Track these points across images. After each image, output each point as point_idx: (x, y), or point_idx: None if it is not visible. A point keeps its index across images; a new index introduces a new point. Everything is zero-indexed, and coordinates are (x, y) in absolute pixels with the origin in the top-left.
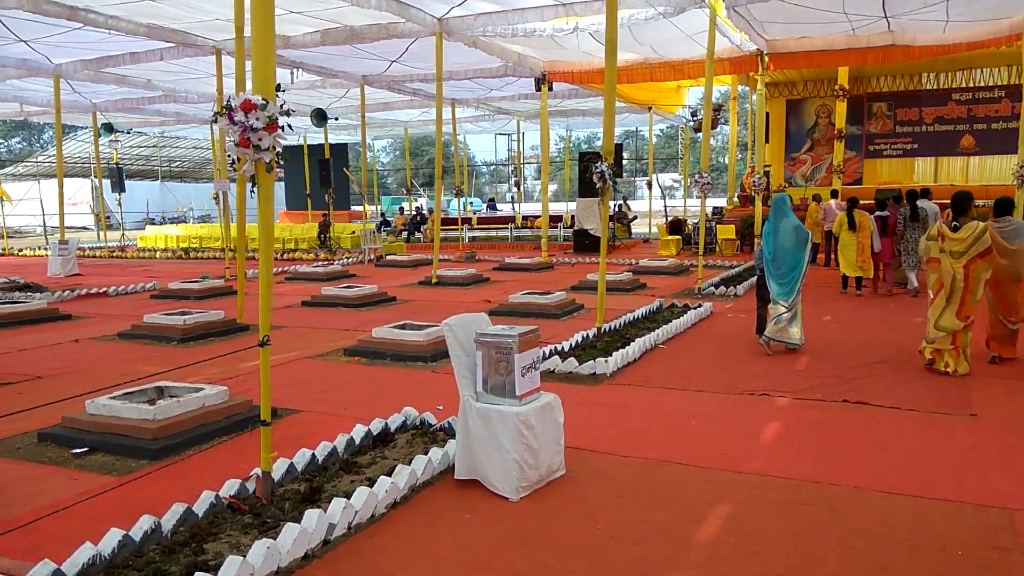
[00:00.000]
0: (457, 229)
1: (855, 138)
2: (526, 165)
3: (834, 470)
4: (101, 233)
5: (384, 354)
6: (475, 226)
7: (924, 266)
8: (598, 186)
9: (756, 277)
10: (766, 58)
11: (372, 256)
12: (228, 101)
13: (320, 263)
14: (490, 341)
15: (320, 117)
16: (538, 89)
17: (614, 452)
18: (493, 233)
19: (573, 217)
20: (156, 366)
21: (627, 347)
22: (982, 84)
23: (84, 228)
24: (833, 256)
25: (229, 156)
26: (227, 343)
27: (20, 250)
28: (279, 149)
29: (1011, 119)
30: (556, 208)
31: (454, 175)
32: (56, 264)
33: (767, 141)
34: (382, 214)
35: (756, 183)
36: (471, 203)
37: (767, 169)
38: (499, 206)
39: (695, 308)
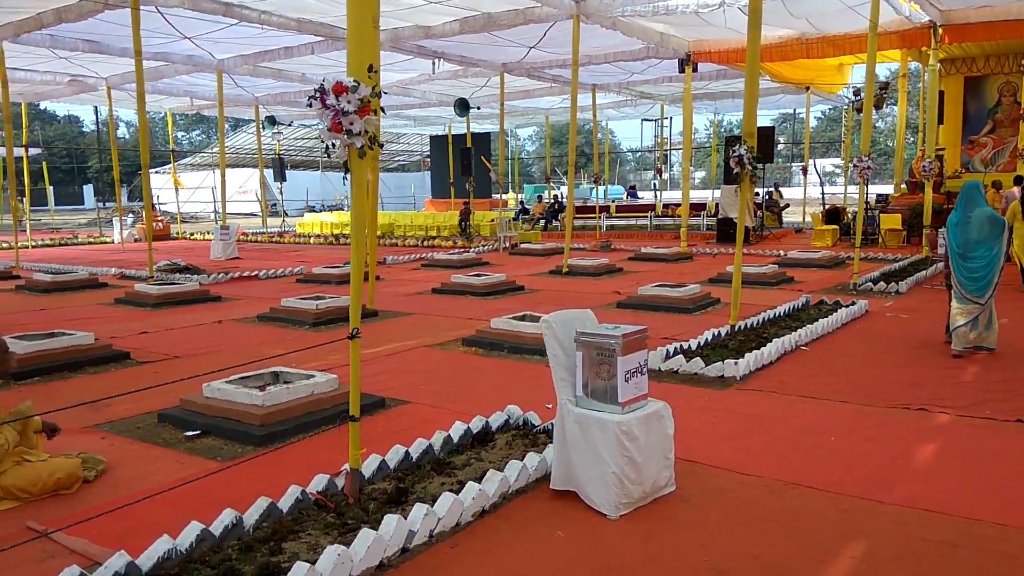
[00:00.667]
0: (595, 217)
1: None
2: (673, 151)
3: (1000, 507)
4: (264, 220)
5: (502, 345)
6: (613, 214)
7: None
8: (735, 171)
9: (946, 272)
10: (940, 31)
11: (508, 244)
12: (321, 84)
13: (457, 250)
14: (591, 341)
15: (463, 107)
16: (681, 70)
17: (736, 468)
18: (632, 222)
19: (717, 205)
20: (285, 348)
21: (762, 348)
22: None
23: (252, 215)
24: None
25: (323, 142)
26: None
27: (192, 234)
28: (372, 133)
29: None
30: (701, 196)
31: (595, 162)
32: (218, 248)
33: (941, 122)
34: (521, 202)
35: (927, 168)
36: (608, 191)
37: (940, 153)
38: (641, 194)
39: (847, 306)
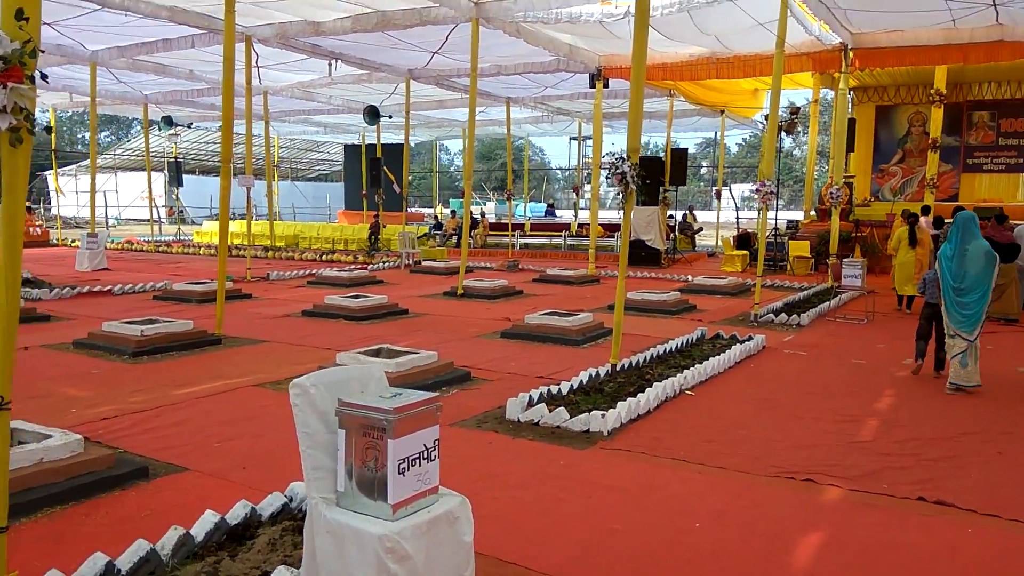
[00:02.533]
0: (507, 235)
1: (952, 150)
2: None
3: None
4: (153, 228)
5: None
6: (528, 233)
7: None
8: (618, 190)
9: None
10: (851, 54)
11: (410, 261)
12: None
13: (352, 267)
14: (356, 415)
15: (372, 115)
16: (592, 86)
17: (570, 572)
18: (548, 241)
19: None
20: (75, 388)
21: (639, 394)
22: None
23: (158, 221)
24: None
25: None
26: (190, 358)
27: (74, 241)
28: (27, 111)
29: None
30: (617, 216)
31: (522, 180)
32: (84, 258)
33: (852, 150)
34: (435, 217)
35: (834, 195)
36: (528, 209)
37: (849, 180)
38: (560, 212)
39: (743, 341)
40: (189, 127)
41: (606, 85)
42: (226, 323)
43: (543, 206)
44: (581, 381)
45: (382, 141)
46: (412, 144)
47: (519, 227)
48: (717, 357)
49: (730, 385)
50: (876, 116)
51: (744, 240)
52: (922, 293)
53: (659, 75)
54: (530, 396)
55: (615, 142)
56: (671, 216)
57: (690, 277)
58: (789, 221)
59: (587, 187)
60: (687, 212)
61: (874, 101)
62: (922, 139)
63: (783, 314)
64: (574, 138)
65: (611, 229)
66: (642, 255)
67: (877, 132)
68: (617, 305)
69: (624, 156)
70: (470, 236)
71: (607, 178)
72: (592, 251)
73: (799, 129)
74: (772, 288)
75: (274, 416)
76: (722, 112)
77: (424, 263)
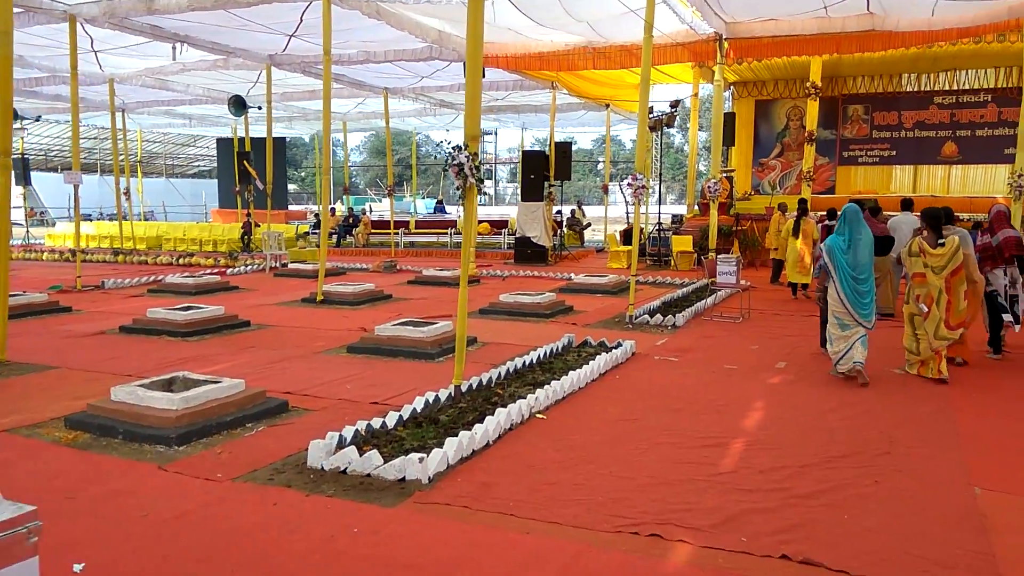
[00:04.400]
0: (389, 233)
1: (828, 143)
2: (501, 166)
3: None
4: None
5: (116, 429)
6: (413, 231)
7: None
8: (456, 184)
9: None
10: (726, 44)
11: (276, 263)
12: None
13: (205, 271)
14: None
15: (238, 105)
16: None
17: None
18: (434, 239)
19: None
20: None
21: (475, 426)
22: (967, 87)
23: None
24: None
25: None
26: None
27: None
28: None
29: (997, 125)
30: (507, 212)
31: (389, 174)
32: None
33: (732, 144)
34: (315, 215)
35: (712, 189)
36: (415, 206)
37: (729, 173)
38: (452, 208)
39: (612, 348)
40: (38, 120)
41: (483, 75)
42: (25, 343)
43: (432, 202)
44: (415, 409)
45: (259, 135)
46: (307, 139)
47: (403, 225)
48: (578, 371)
49: (590, 403)
50: (756, 111)
51: (630, 235)
52: (817, 277)
53: (536, 65)
54: (340, 436)
55: (511, 136)
56: (558, 212)
57: (572, 275)
58: (674, 216)
59: (500, 183)
60: (575, 208)
61: (753, 96)
62: (800, 133)
63: (658, 315)
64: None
65: (499, 225)
66: (528, 252)
67: (757, 126)
68: (460, 314)
69: (462, 146)
70: (351, 235)
71: (444, 170)
72: (467, 249)
73: (676, 121)
74: (654, 285)
75: (23, 471)
76: (607, 106)
77: (292, 265)
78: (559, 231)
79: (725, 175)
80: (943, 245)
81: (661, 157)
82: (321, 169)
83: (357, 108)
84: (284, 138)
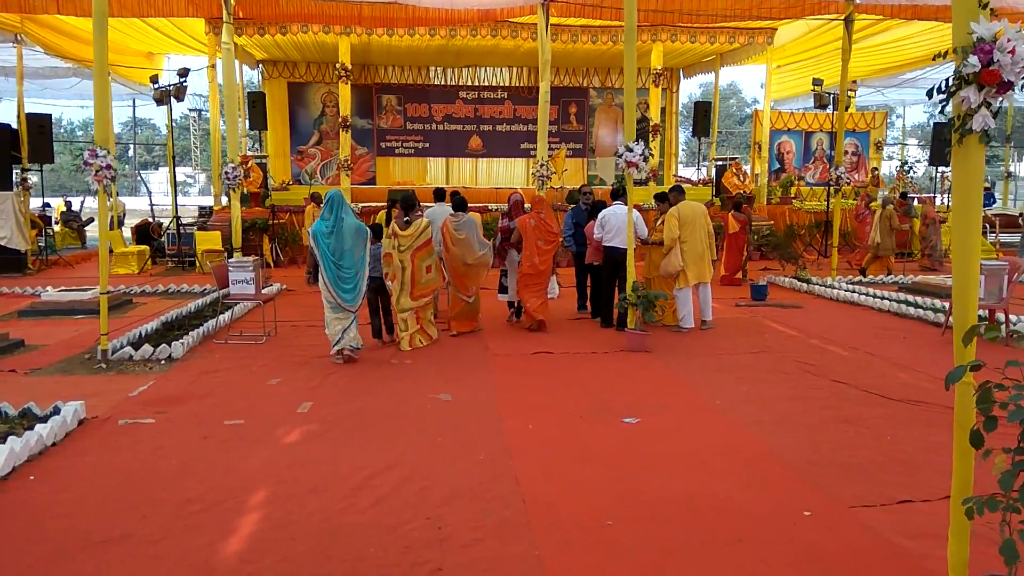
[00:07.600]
0: None
1: (366, 133)
2: None
3: None
4: None
5: None
6: None
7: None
8: None
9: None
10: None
11: None
12: None
13: None
14: None
15: None
16: None
17: None
18: None
19: None
20: None
21: None
22: (487, 84)
23: None
24: None
25: None
26: None
27: None
28: None
29: (513, 122)
30: None
31: None
32: None
33: (263, 127)
34: None
35: (230, 175)
36: None
37: (262, 160)
38: None
39: (41, 419)
40: None
41: None
42: None
43: None
44: None
45: None
46: None
47: None
48: None
49: None
50: (290, 94)
51: (146, 232)
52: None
53: None
54: None
55: None
56: (47, 205)
57: (51, 289)
58: (201, 208)
59: None
60: (69, 200)
61: (285, 77)
62: (337, 120)
63: (148, 344)
64: None
65: None
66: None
67: (293, 111)
68: None
69: None
70: None
71: None
72: None
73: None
74: (166, 296)
75: None
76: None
77: None
78: (48, 229)
79: (257, 162)
80: (409, 225)
81: (194, 138)
82: None
83: None
84: None
